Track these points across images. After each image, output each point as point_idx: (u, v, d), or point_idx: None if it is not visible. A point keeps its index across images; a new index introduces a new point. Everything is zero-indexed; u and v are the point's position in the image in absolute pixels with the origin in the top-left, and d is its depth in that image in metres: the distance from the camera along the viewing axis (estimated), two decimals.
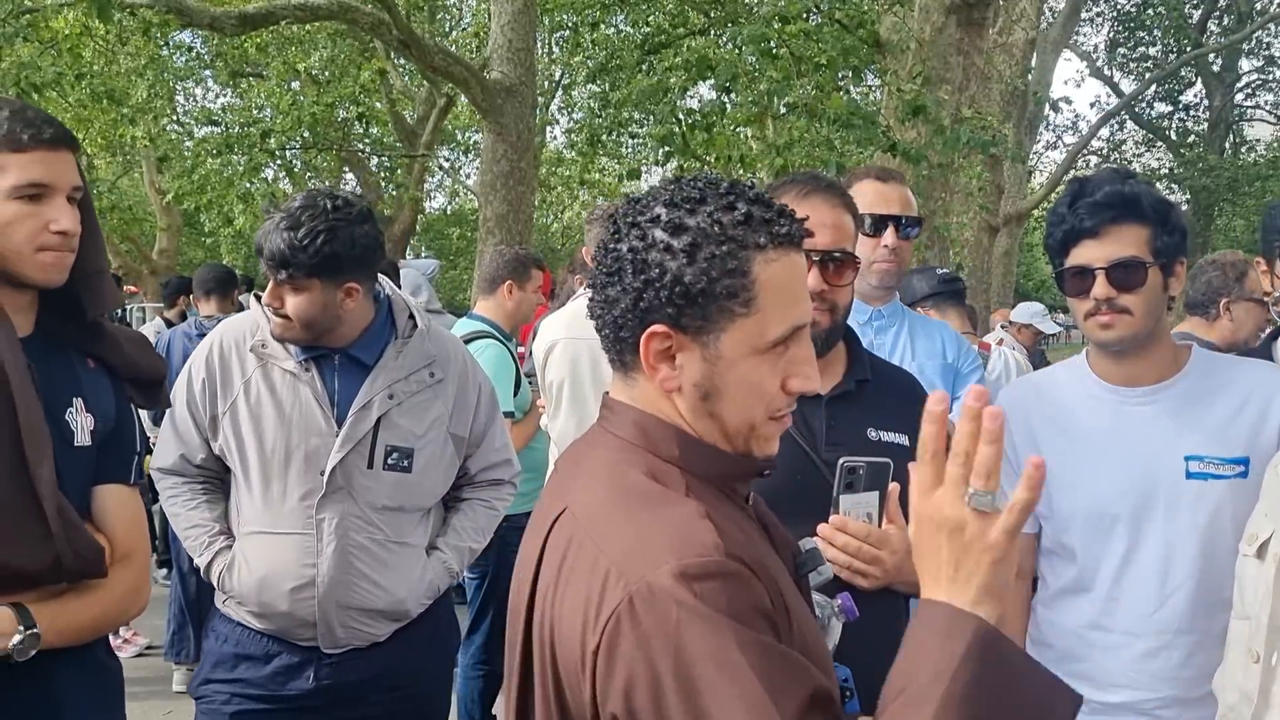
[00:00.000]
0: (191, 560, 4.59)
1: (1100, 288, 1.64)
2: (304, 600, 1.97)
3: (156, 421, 2.99)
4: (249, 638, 2.04)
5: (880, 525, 1.50)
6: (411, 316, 2.10)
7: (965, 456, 0.90)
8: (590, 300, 1.07)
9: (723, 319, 0.99)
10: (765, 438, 1.06)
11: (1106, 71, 20.28)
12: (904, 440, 1.70)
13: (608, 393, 1.11)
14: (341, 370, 2.02)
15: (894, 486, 1.51)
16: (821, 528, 1.48)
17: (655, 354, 1.01)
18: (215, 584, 2.03)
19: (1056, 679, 0.91)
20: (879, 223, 2.21)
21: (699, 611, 0.88)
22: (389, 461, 2.00)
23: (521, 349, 3.87)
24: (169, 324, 6.19)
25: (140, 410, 1.71)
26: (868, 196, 2.23)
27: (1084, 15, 17.74)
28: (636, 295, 1.00)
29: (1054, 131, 20.15)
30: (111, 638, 1.73)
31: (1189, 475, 1.67)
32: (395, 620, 2.06)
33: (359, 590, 1.99)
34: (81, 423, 1.52)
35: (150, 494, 3.95)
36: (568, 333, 2.96)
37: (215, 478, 2.09)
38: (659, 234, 1.00)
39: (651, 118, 8.20)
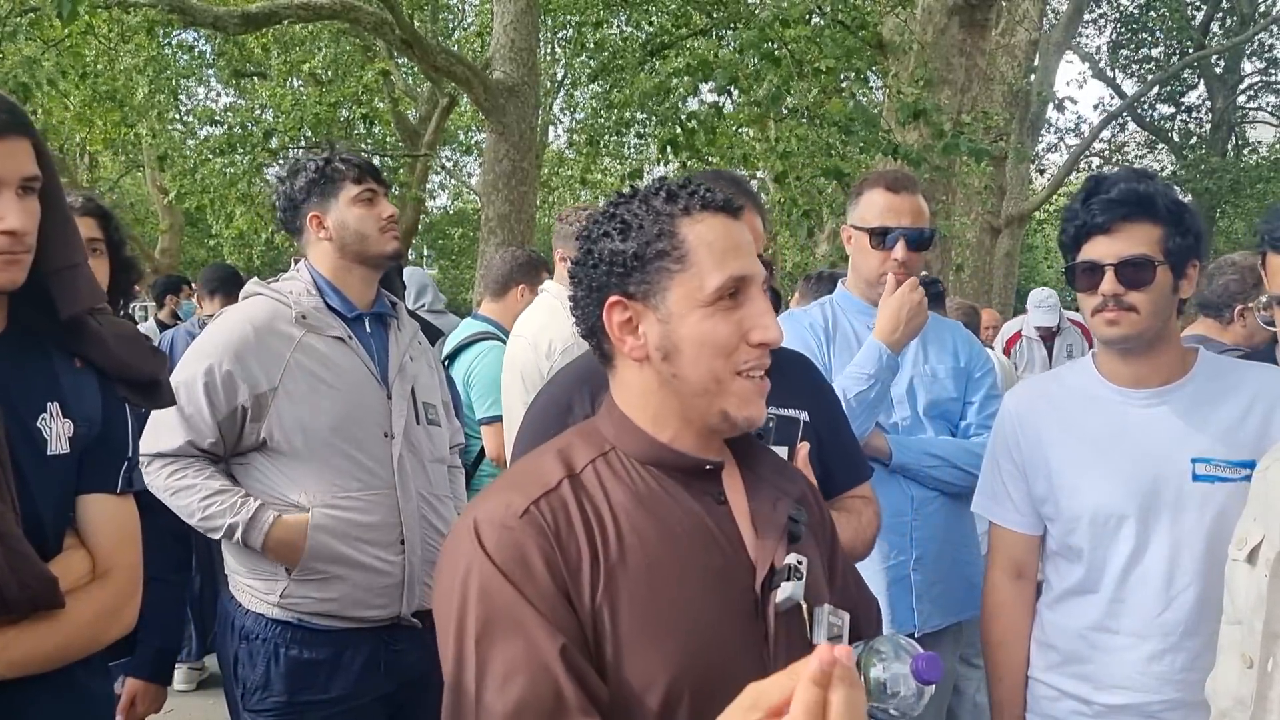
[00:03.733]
0: (191, 559, 4.56)
1: (1108, 284, 1.64)
2: (395, 560, 2.01)
3: None
4: (314, 638, 1.99)
5: None
6: (389, 299, 2.25)
7: None
8: (572, 315, 1.20)
9: (662, 278, 1.11)
10: (738, 395, 1.12)
11: (1109, 73, 20.26)
12: (804, 416, 1.71)
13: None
14: (373, 333, 2.14)
15: (804, 444, 1.54)
16: None
17: (619, 325, 1.13)
18: (260, 543, 1.93)
19: None
20: (889, 236, 2.18)
21: (472, 547, 1.05)
22: (429, 416, 2.14)
23: None
24: (162, 325, 6.16)
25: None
26: (878, 206, 2.20)
27: (1086, 16, 17.71)
28: (590, 282, 1.15)
29: (1056, 133, 20.16)
30: None
31: (1196, 477, 1.67)
32: None
33: (434, 543, 2.08)
34: (57, 429, 1.38)
35: None
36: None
37: (217, 460, 2.05)
38: (599, 229, 1.15)
39: (653, 118, 8.20)
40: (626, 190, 1.18)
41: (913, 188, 2.26)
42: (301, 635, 1.99)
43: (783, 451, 1.51)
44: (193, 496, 1.97)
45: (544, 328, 2.82)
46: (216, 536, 1.98)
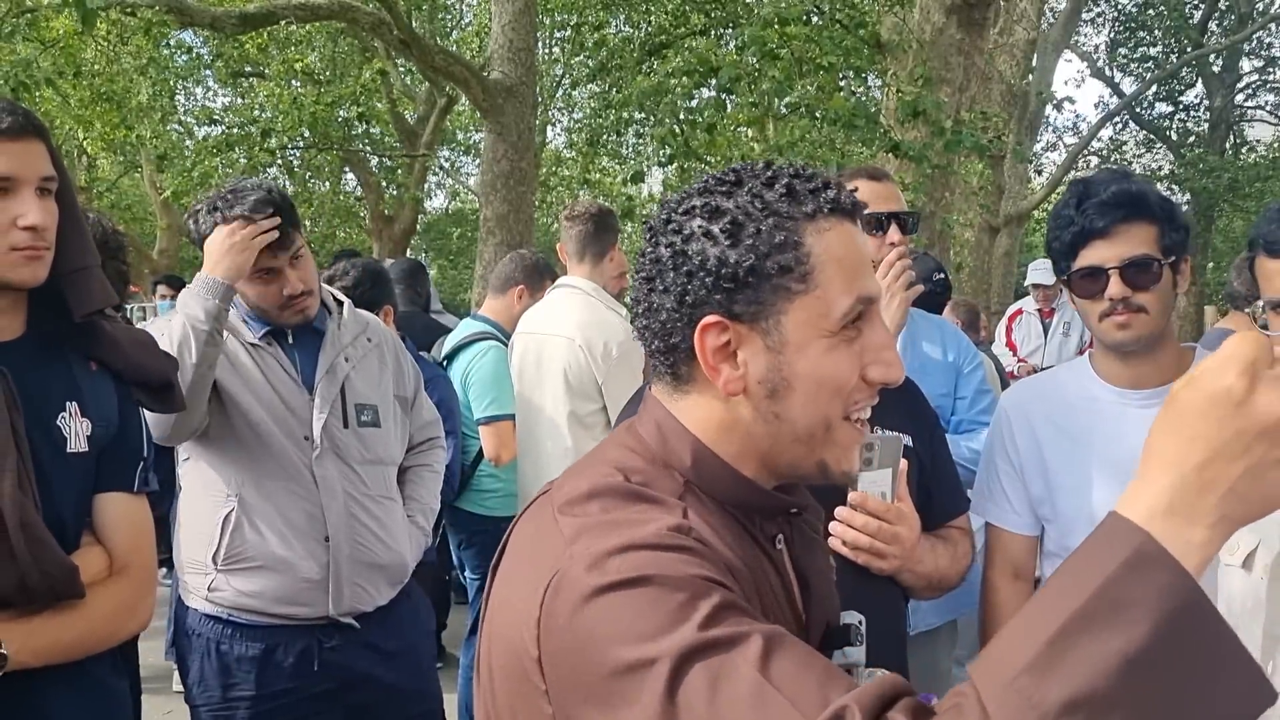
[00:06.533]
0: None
1: (1115, 287, 1.62)
2: (319, 558, 2.01)
3: None
4: (244, 634, 2.02)
5: (892, 503, 1.50)
6: (335, 297, 2.23)
7: None
8: (634, 316, 0.98)
9: (779, 299, 0.90)
10: (841, 445, 0.94)
11: (1107, 72, 20.27)
12: (907, 441, 1.70)
13: (646, 387, 1.02)
14: (297, 342, 2.11)
15: (903, 463, 1.50)
16: (839, 510, 1.48)
17: (714, 352, 0.91)
18: (207, 283, 1.87)
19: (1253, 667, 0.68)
20: (882, 220, 2.21)
21: (608, 585, 0.78)
22: (362, 419, 2.11)
23: None
24: None
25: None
26: (864, 195, 2.20)
27: (1085, 15, 17.71)
28: (681, 291, 0.91)
29: (1055, 132, 20.18)
30: None
31: None
32: (393, 584, 2.14)
33: (364, 544, 2.06)
34: (76, 428, 1.43)
35: (164, 499, 3.94)
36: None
37: None
38: (696, 223, 0.91)
39: (652, 118, 8.20)
40: (726, 173, 0.95)
41: (889, 177, 2.31)
42: (231, 630, 2.02)
43: (887, 474, 1.48)
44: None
45: (590, 327, 2.79)
46: (193, 345, 1.87)
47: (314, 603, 2.02)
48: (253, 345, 2.05)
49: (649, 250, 0.95)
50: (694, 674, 0.74)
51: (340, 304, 2.21)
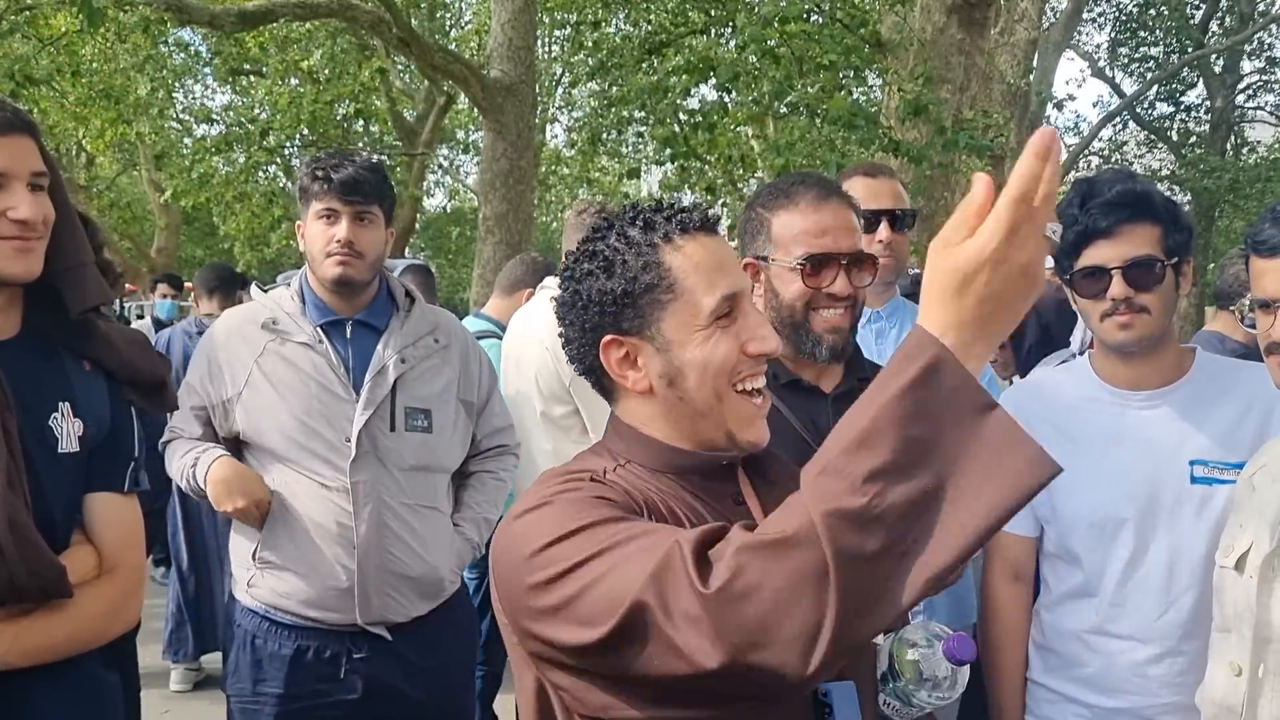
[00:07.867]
0: (190, 558, 4.57)
1: (1117, 287, 1.62)
2: (344, 565, 1.99)
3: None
4: (277, 631, 2.03)
5: None
6: (407, 293, 2.18)
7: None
8: (565, 353, 1.20)
9: (655, 310, 1.11)
10: (740, 415, 1.12)
11: (1108, 72, 20.27)
12: None
13: None
14: (354, 338, 2.08)
15: None
16: None
17: (617, 362, 1.14)
18: (202, 478, 2.02)
19: (1024, 436, 0.85)
20: (872, 218, 2.19)
21: (521, 512, 1.06)
22: (410, 423, 2.06)
23: None
24: (158, 324, 6.20)
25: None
26: (858, 192, 2.21)
27: (1086, 15, 17.71)
28: (582, 323, 1.15)
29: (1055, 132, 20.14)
30: None
31: (1194, 480, 1.66)
32: (428, 597, 2.09)
33: (395, 554, 2.02)
34: (68, 428, 1.44)
35: (161, 495, 3.93)
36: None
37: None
38: (584, 266, 1.15)
39: (652, 117, 8.19)
40: (600, 221, 1.18)
41: (890, 174, 2.28)
42: (267, 627, 2.04)
43: None
44: (173, 456, 2.09)
45: (557, 330, 2.79)
46: (185, 485, 2.08)
47: (342, 609, 2.01)
48: (303, 344, 2.04)
49: (558, 298, 1.18)
50: (578, 541, 0.99)
51: (412, 300, 2.17)
